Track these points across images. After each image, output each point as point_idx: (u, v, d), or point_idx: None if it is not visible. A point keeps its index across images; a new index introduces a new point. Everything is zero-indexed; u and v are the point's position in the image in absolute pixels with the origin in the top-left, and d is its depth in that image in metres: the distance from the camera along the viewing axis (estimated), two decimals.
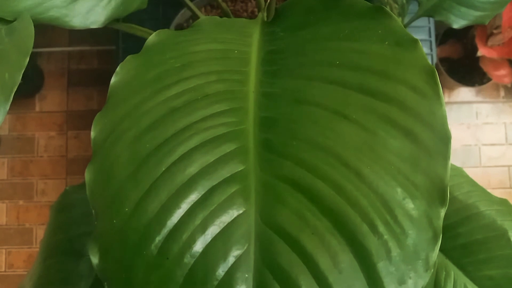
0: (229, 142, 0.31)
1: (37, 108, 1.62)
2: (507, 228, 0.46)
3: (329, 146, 0.29)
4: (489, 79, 1.43)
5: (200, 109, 0.32)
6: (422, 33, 1.10)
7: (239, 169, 0.30)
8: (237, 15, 0.93)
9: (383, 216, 0.28)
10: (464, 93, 1.61)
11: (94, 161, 0.30)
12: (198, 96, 0.32)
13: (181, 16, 0.90)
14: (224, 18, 0.43)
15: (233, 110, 0.33)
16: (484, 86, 1.47)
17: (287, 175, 0.29)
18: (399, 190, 0.27)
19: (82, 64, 1.61)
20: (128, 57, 0.35)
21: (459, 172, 0.50)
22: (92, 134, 0.31)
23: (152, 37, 0.37)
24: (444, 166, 0.27)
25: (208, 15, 0.93)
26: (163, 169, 0.29)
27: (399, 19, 0.33)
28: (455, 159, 1.56)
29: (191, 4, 0.68)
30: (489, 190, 1.64)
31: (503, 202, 0.50)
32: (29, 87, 1.55)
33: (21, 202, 1.58)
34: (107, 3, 0.47)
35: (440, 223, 0.27)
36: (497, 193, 1.64)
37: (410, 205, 0.28)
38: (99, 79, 1.60)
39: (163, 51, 0.36)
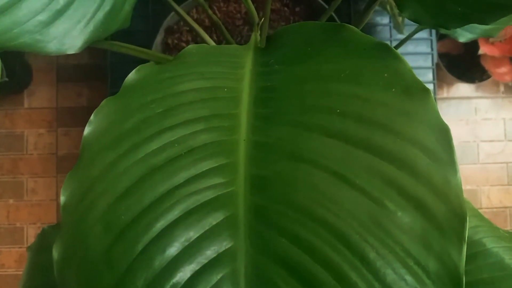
0: (216, 212, 0.27)
1: (26, 105, 1.57)
2: None
3: (330, 221, 0.26)
4: (489, 76, 1.40)
5: (183, 169, 0.28)
6: (422, 31, 1.07)
7: (227, 247, 0.26)
8: (230, 16, 0.89)
9: None
10: (464, 88, 1.58)
11: (64, 234, 0.27)
12: (182, 151, 0.29)
13: (171, 18, 0.85)
14: (213, 46, 0.39)
15: (222, 167, 0.29)
16: (483, 82, 1.44)
17: (281, 255, 0.26)
18: (408, 278, 0.24)
19: (72, 59, 1.56)
20: (104, 101, 0.31)
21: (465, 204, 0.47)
22: (62, 199, 0.28)
23: (132, 75, 0.33)
24: (459, 250, 0.24)
25: (200, 17, 0.88)
26: (140, 248, 0.26)
27: (407, 63, 0.29)
28: None
29: (179, 9, 0.64)
30: (487, 187, 1.62)
31: None
32: (17, 83, 1.51)
33: (11, 201, 1.54)
34: (85, 26, 0.43)
35: None
36: (495, 190, 1.62)
37: None
38: (89, 74, 1.55)
39: (143, 93, 0.32)
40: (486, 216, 1.63)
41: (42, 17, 0.41)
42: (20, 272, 1.52)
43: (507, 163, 1.57)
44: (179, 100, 0.32)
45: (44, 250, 0.43)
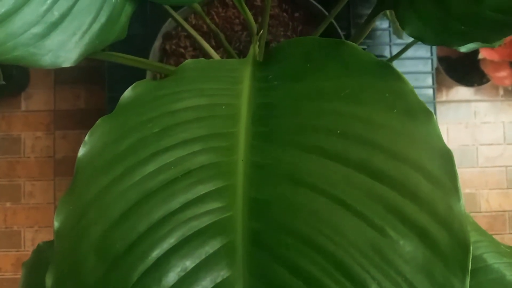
0: (213, 240, 0.26)
1: (23, 107, 1.57)
2: None
3: (331, 250, 0.25)
4: (488, 80, 1.40)
5: (180, 193, 0.27)
6: None
7: (225, 277, 0.25)
8: (228, 22, 0.88)
9: None
10: (463, 91, 1.58)
11: (57, 262, 0.26)
12: (178, 174, 0.28)
13: (169, 24, 0.84)
14: (211, 60, 0.38)
15: (219, 190, 0.28)
16: (483, 86, 1.44)
17: (280, 287, 0.25)
18: None
19: None
20: (99, 121, 0.30)
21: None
22: (55, 224, 0.27)
23: (128, 92, 0.33)
24: (463, 281, 0.23)
25: (198, 23, 0.88)
26: (135, 278, 0.25)
27: (409, 83, 0.29)
28: None
29: (177, 16, 0.63)
30: (486, 191, 1.62)
31: None
32: (14, 86, 1.50)
33: (8, 204, 1.54)
34: (80, 38, 0.42)
35: None
36: (494, 194, 1.61)
37: None
38: (87, 77, 1.54)
39: (140, 111, 0.32)
40: (485, 219, 1.62)
41: (37, 29, 0.40)
42: (17, 276, 1.51)
43: (506, 166, 1.57)
44: (176, 119, 0.31)
45: (39, 267, 0.43)
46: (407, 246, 0.25)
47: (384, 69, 0.30)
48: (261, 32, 0.44)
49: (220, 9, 0.88)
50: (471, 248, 0.24)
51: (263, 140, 0.31)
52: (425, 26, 0.34)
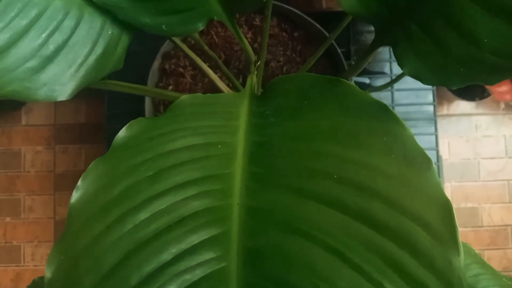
0: None
1: (23, 121, 1.57)
2: None
3: None
4: (489, 94, 1.39)
5: (173, 243, 0.27)
6: None
7: None
8: (227, 41, 0.88)
9: None
10: (464, 105, 1.57)
11: None
12: (172, 222, 0.27)
13: (168, 44, 0.84)
14: (208, 95, 0.38)
15: (213, 239, 0.28)
16: (484, 100, 1.44)
17: None
18: None
19: None
20: (93, 164, 0.30)
21: (466, 250, 0.46)
22: (47, 274, 0.26)
23: (123, 132, 0.32)
24: None
25: (194, 43, 0.87)
26: None
27: (407, 127, 0.28)
28: (454, 174, 1.53)
29: (176, 40, 0.63)
30: (488, 205, 1.61)
31: None
32: (15, 100, 1.49)
33: (8, 219, 1.53)
34: (76, 71, 0.42)
35: None
36: (497, 208, 1.60)
37: None
38: (87, 92, 1.53)
39: (133, 152, 0.31)
40: (487, 234, 1.60)
41: (31, 63, 0.40)
42: None
43: (508, 180, 1.56)
44: (171, 161, 0.31)
45: None
46: None
47: (381, 110, 0.30)
48: (258, 63, 0.44)
49: (220, 29, 0.88)
50: None
51: (259, 182, 0.31)
52: (424, 66, 0.34)
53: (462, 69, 0.32)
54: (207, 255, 0.27)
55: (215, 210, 0.29)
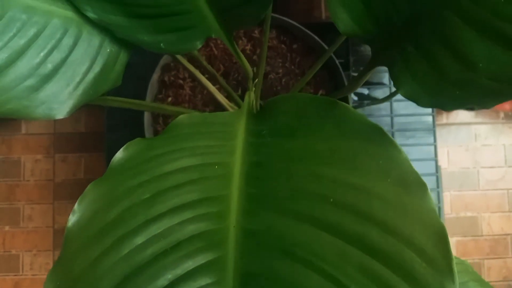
0: None
1: (23, 130, 1.57)
2: None
3: None
4: None
5: (169, 268, 0.27)
6: None
7: None
8: (227, 53, 0.88)
9: None
10: (463, 114, 1.58)
11: None
12: (168, 246, 0.27)
13: (167, 57, 0.85)
14: (205, 114, 0.38)
15: (209, 264, 0.28)
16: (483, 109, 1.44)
17: None
18: None
19: None
20: (89, 186, 0.30)
21: (464, 267, 0.46)
22: None
23: (120, 154, 0.32)
24: None
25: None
26: None
27: (403, 151, 0.28)
28: (453, 183, 1.53)
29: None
30: (487, 214, 1.60)
31: None
32: None
33: (7, 228, 1.53)
34: (74, 89, 0.42)
35: None
36: (496, 217, 1.60)
37: None
38: None
39: (130, 175, 0.31)
40: (487, 243, 1.60)
41: (30, 82, 0.40)
42: None
43: (507, 189, 1.56)
44: (167, 183, 0.31)
45: None
46: None
47: (377, 133, 0.30)
48: (256, 80, 0.44)
49: (219, 41, 0.88)
50: None
51: (256, 204, 0.31)
52: (420, 88, 0.34)
53: (458, 92, 0.32)
54: (203, 281, 0.27)
55: (211, 234, 0.29)
